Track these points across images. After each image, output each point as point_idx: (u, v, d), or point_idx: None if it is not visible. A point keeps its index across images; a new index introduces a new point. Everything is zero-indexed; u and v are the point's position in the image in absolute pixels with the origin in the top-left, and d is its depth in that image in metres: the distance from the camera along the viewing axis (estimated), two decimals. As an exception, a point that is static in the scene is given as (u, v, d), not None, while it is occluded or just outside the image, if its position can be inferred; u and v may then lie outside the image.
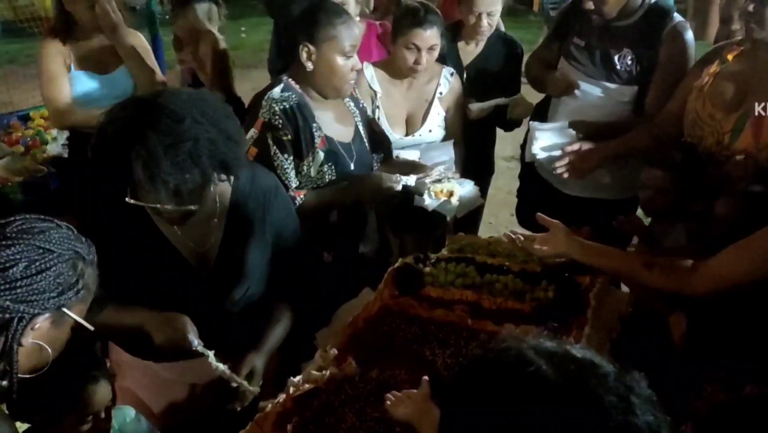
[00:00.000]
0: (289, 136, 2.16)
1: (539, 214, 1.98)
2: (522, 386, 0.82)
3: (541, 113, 2.85)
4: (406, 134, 2.86)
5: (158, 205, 1.58)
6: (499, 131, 3.31)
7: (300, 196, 2.23)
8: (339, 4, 2.24)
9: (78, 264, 1.21)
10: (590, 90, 2.61)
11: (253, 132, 2.16)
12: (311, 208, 2.22)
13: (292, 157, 2.19)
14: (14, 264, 1.12)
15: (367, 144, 2.44)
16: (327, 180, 2.28)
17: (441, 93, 2.87)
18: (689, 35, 2.52)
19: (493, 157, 3.36)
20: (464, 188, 2.62)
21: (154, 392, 1.90)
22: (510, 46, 3.12)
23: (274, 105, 2.15)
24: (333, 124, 2.30)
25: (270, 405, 1.64)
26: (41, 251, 1.15)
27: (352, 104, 2.42)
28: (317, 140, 2.22)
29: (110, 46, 2.76)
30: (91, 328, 1.27)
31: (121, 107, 1.55)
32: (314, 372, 1.73)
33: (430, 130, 2.85)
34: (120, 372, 1.94)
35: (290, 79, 2.24)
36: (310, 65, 2.17)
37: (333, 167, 2.28)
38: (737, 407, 1.63)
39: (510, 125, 3.18)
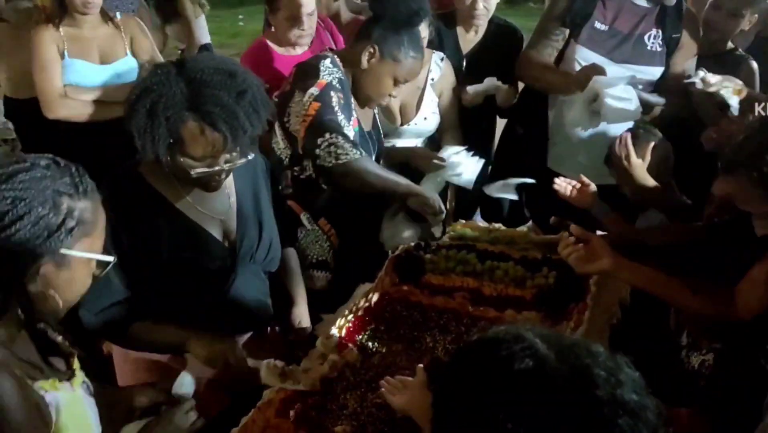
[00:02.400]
0: (344, 103, 2.19)
1: (574, 226, 1.91)
2: (515, 358, 0.84)
3: (538, 107, 2.84)
4: (402, 123, 2.84)
5: (217, 168, 1.61)
6: (498, 122, 3.31)
7: (359, 154, 2.13)
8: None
9: (61, 202, 1.12)
10: (616, 73, 2.57)
11: (314, 90, 2.14)
12: (361, 172, 2.10)
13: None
14: None
15: (381, 130, 2.49)
16: None
17: (433, 79, 2.86)
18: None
19: (492, 147, 3.35)
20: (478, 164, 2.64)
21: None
22: (510, 34, 3.10)
23: (331, 71, 2.18)
24: (360, 110, 2.33)
25: (269, 391, 1.66)
26: (10, 200, 1.08)
27: None
28: (353, 118, 2.25)
29: (107, 36, 2.73)
30: (110, 259, 1.21)
31: (159, 83, 1.54)
32: (314, 365, 1.74)
33: (425, 118, 2.84)
34: (124, 372, 1.94)
35: (336, 57, 2.25)
36: (365, 64, 2.20)
37: (361, 148, 2.25)
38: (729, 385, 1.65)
39: (505, 111, 3.16)
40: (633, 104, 2.44)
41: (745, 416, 1.45)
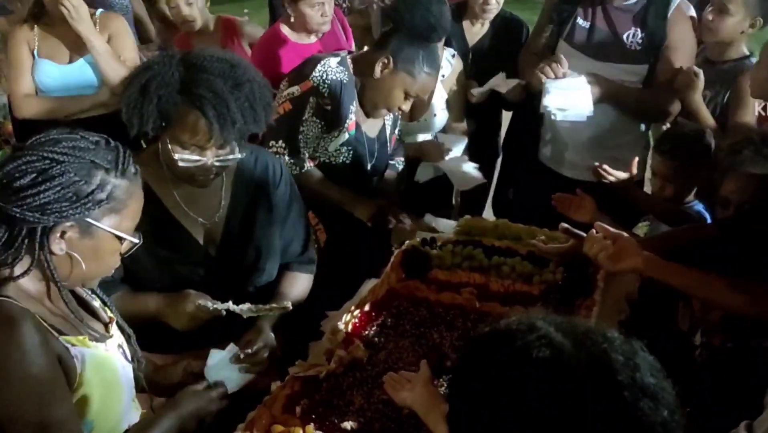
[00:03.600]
0: (329, 108, 2.19)
1: (599, 224, 1.84)
2: (531, 348, 0.83)
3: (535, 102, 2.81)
4: (411, 119, 2.82)
5: (205, 160, 1.58)
6: (504, 116, 3.29)
7: (310, 165, 2.27)
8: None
9: (95, 173, 1.18)
10: (598, 71, 2.56)
11: (296, 89, 2.19)
12: (308, 186, 2.23)
13: (324, 126, 2.22)
14: (22, 175, 1.14)
15: (389, 146, 2.48)
16: (341, 160, 2.30)
17: (443, 76, 2.84)
18: (692, 12, 2.56)
19: (498, 140, 3.33)
20: (469, 166, 2.64)
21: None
22: (516, 27, 3.08)
23: (327, 73, 2.18)
24: (366, 116, 2.33)
25: (275, 387, 1.65)
26: (48, 161, 1.15)
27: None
28: (349, 121, 2.25)
29: (74, 35, 2.72)
30: (136, 240, 1.28)
31: (159, 64, 1.54)
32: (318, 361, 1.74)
33: (435, 115, 2.83)
34: None
35: (349, 59, 2.25)
36: (378, 74, 2.18)
37: (351, 152, 2.30)
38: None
39: (512, 104, 3.14)
40: (579, 105, 2.42)
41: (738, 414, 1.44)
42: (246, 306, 1.68)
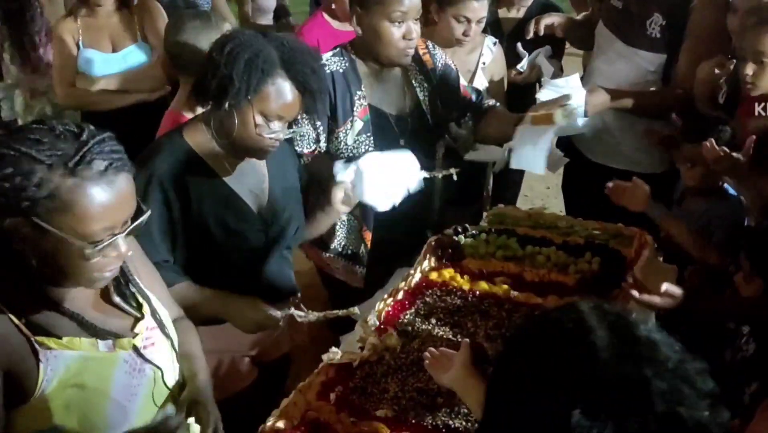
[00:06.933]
0: (335, 98, 2.13)
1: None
2: (572, 355, 0.79)
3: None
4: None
5: (284, 133, 1.68)
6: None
7: (307, 157, 2.17)
8: None
9: (35, 170, 1.07)
10: (625, 56, 2.49)
11: None
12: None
13: (325, 119, 2.14)
14: None
15: (429, 117, 2.31)
16: (363, 150, 2.18)
17: (484, 63, 2.81)
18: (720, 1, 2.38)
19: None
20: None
21: None
22: (552, 12, 3.03)
23: (328, 64, 2.14)
24: (386, 95, 2.22)
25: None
26: None
27: (416, 74, 2.29)
28: (358, 109, 2.16)
29: (120, 23, 2.74)
30: (81, 244, 1.13)
31: (251, 42, 1.61)
32: (350, 351, 1.74)
33: None
34: None
35: (349, 46, 2.21)
36: (359, 29, 2.11)
37: (372, 138, 2.19)
38: None
39: None
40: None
41: None
42: (314, 314, 1.72)
